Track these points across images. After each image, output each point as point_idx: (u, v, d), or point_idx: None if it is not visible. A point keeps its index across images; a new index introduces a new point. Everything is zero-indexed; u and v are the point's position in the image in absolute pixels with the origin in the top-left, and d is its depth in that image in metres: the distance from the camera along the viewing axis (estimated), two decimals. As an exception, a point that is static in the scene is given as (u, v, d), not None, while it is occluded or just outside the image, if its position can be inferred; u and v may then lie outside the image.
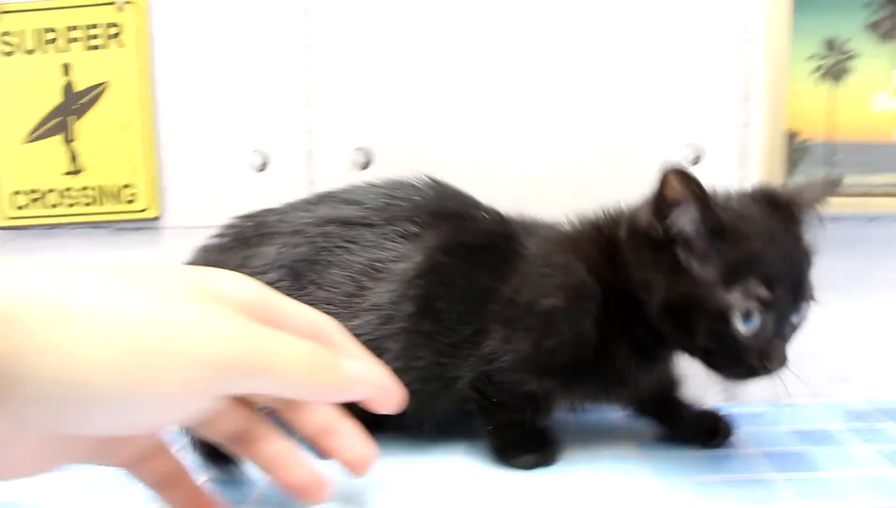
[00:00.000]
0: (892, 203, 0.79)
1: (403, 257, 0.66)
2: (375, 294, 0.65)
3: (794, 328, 0.59)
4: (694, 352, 0.61)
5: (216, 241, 0.72)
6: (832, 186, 0.64)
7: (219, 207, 0.79)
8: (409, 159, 0.77)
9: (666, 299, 0.59)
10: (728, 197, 0.61)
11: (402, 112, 0.79)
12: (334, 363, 0.36)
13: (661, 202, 0.57)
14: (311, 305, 0.65)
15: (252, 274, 0.66)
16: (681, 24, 0.77)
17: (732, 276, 0.56)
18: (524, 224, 0.70)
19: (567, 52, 0.78)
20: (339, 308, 0.65)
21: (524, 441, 0.66)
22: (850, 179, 0.78)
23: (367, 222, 0.67)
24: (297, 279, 0.66)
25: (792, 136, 0.77)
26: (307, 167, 0.79)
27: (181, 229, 0.80)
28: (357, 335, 0.63)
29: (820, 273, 0.59)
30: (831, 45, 0.77)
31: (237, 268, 0.67)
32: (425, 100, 0.79)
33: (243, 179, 0.79)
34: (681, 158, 0.78)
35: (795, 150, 0.78)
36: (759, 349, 0.56)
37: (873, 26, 0.77)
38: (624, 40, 0.78)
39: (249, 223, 0.71)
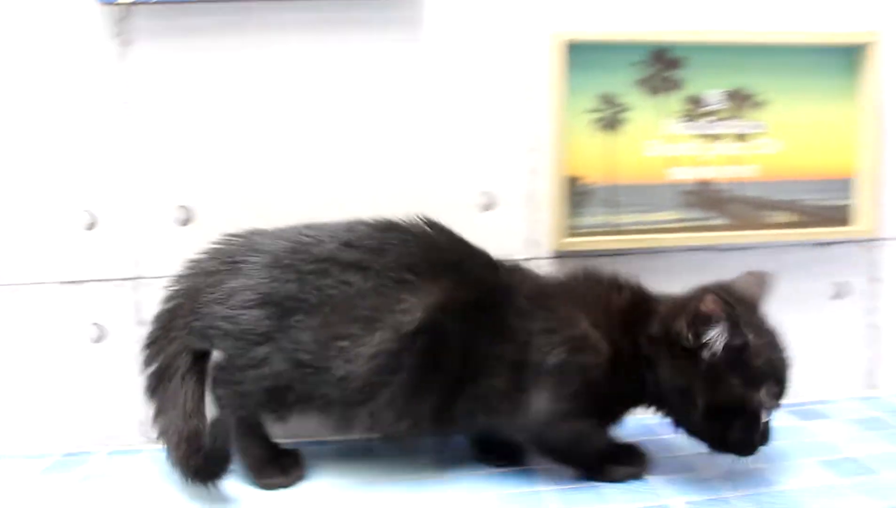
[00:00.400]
0: (671, 239, 0.88)
1: (401, 309, 0.67)
2: (371, 342, 0.67)
3: None
4: (714, 442, 0.69)
5: (206, 262, 0.73)
6: (767, 282, 0.74)
7: (49, 265, 0.84)
8: (231, 215, 0.82)
9: (709, 405, 0.66)
10: (747, 310, 0.68)
11: (223, 171, 0.84)
12: None
13: (696, 317, 0.65)
14: (296, 344, 0.67)
15: (240, 306, 0.68)
16: (473, 86, 0.86)
17: (757, 380, 0.65)
18: (518, 272, 0.75)
19: (376, 113, 0.85)
20: (329, 351, 0.67)
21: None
22: (630, 218, 0.88)
23: (363, 265, 0.69)
24: (283, 318, 0.68)
25: (574, 180, 0.86)
26: (132, 224, 0.84)
27: (12, 286, 0.83)
28: (348, 381, 0.67)
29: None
30: (607, 100, 0.86)
31: (221, 300, 0.69)
32: (245, 158, 0.84)
33: (72, 237, 0.84)
34: (476, 205, 0.86)
35: (578, 193, 0.86)
36: (762, 433, 0.67)
37: (642, 82, 0.87)
38: (426, 102, 0.86)
39: (240, 244, 0.73)
